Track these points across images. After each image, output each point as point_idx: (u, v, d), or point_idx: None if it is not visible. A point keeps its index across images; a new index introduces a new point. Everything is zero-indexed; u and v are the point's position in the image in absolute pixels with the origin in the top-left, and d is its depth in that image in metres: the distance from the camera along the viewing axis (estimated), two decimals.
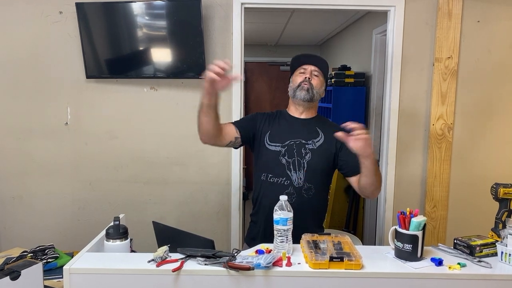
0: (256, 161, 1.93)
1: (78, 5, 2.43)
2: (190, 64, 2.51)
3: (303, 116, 1.92)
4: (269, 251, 1.44)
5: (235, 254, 1.38)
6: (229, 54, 2.58)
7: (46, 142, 2.63)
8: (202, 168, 2.68)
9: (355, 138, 1.57)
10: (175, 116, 2.64)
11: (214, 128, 1.74)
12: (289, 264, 1.36)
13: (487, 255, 1.47)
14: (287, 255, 1.39)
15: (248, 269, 1.29)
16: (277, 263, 1.35)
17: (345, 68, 4.07)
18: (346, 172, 1.86)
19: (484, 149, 2.66)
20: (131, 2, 2.42)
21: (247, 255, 1.39)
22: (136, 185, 2.69)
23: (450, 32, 2.54)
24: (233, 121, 1.96)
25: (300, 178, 1.82)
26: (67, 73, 2.58)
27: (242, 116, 2.63)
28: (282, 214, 1.42)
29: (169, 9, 2.45)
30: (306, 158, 1.82)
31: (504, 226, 1.55)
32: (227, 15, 2.55)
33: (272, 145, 1.86)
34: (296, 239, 1.51)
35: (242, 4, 2.54)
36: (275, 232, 1.44)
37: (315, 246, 1.46)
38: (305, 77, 1.86)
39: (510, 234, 1.42)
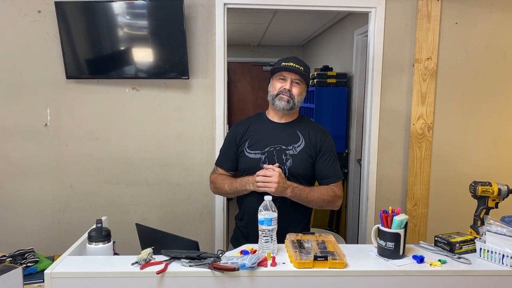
0: (239, 167, 1.92)
1: (57, 4, 2.38)
2: (173, 64, 2.50)
3: (283, 121, 1.89)
4: (254, 252, 1.44)
5: (220, 255, 1.38)
6: (212, 54, 2.58)
7: (25, 143, 2.58)
8: (185, 169, 2.67)
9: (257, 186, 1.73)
10: (158, 116, 2.62)
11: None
12: (274, 264, 1.36)
13: (466, 252, 1.51)
14: (272, 255, 1.39)
15: (233, 270, 1.29)
16: (262, 263, 1.35)
17: (327, 68, 4.10)
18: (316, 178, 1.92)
19: (463, 148, 2.72)
20: (112, 1, 2.39)
21: (232, 256, 1.39)
22: (118, 187, 2.65)
23: (429, 33, 2.59)
24: (218, 162, 2.00)
25: None
26: (46, 73, 2.53)
27: (225, 116, 2.64)
28: (267, 214, 1.43)
29: (151, 8, 2.43)
30: (287, 164, 1.81)
31: (482, 223, 1.58)
32: (210, 15, 2.55)
33: (252, 153, 1.85)
34: (281, 241, 1.52)
35: (224, 4, 2.53)
36: (259, 232, 1.44)
37: (299, 245, 1.46)
38: (284, 88, 1.80)
39: (488, 231, 1.46)
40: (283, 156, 1.82)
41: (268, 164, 1.80)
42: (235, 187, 1.84)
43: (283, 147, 1.83)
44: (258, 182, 1.72)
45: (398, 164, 2.73)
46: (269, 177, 1.70)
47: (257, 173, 1.74)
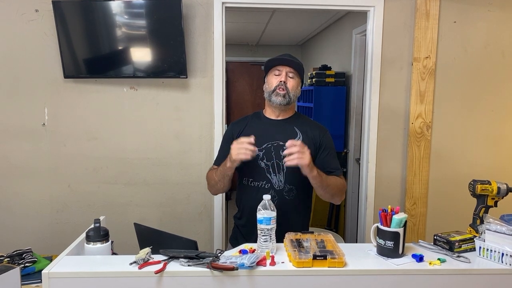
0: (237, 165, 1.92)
1: (54, 3, 2.38)
2: (171, 63, 2.49)
3: (280, 117, 1.90)
4: (253, 251, 1.44)
5: (219, 254, 1.38)
6: (210, 54, 2.57)
7: (22, 143, 2.57)
8: (184, 168, 2.66)
9: (287, 159, 1.64)
10: (156, 116, 2.61)
11: (224, 188, 1.87)
12: (273, 263, 1.36)
13: (465, 250, 1.50)
14: (270, 254, 1.39)
15: (232, 269, 1.28)
16: (261, 262, 1.35)
17: (325, 68, 4.11)
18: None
19: (461, 146, 2.72)
20: (109, 0, 2.38)
21: (230, 255, 1.39)
22: (116, 187, 2.64)
23: (428, 32, 2.58)
24: (215, 161, 1.98)
25: (281, 181, 1.81)
26: (44, 72, 2.52)
27: (223, 115, 2.63)
28: (266, 213, 1.42)
29: (149, 8, 2.42)
30: (285, 160, 1.81)
31: (481, 222, 1.58)
32: (208, 14, 2.54)
33: None
34: (280, 240, 1.52)
35: (223, 3, 2.52)
36: (258, 232, 1.44)
37: (298, 244, 1.46)
38: (281, 81, 1.80)
39: (487, 230, 1.45)
40: (280, 152, 1.81)
41: (266, 160, 1.81)
42: (219, 171, 1.81)
43: (281, 143, 1.83)
44: (286, 155, 1.63)
45: (397, 163, 2.72)
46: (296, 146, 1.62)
47: (287, 147, 1.65)
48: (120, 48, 2.49)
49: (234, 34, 5.31)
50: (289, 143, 1.65)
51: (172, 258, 1.37)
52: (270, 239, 1.43)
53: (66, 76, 2.50)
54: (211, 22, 2.54)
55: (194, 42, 2.56)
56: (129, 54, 2.50)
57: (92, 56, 2.51)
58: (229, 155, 1.71)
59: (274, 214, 1.43)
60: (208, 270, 1.30)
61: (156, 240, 1.50)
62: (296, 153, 1.62)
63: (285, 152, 1.65)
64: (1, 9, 2.46)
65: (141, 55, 2.52)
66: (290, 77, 1.83)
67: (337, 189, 1.82)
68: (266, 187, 1.81)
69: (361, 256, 1.45)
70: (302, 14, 4.18)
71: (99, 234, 1.50)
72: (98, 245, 1.49)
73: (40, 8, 2.46)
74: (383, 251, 1.45)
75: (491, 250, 1.43)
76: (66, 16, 2.41)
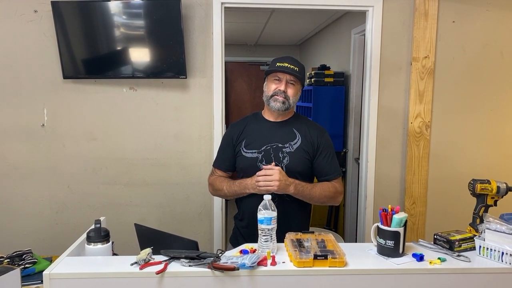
0: (237, 167, 1.92)
1: (53, 3, 2.37)
2: (170, 64, 2.49)
3: (279, 119, 1.89)
4: (254, 251, 1.44)
5: (220, 254, 1.38)
6: (209, 54, 2.57)
7: (21, 144, 2.56)
8: (184, 168, 2.66)
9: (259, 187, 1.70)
10: (155, 116, 2.61)
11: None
12: (273, 263, 1.36)
13: (465, 250, 1.51)
14: (271, 254, 1.39)
15: (233, 269, 1.29)
16: (261, 262, 1.35)
17: (324, 67, 4.10)
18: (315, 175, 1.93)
19: (460, 146, 2.73)
20: (108, 1, 2.38)
21: (231, 256, 1.39)
22: (116, 187, 2.64)
23: (426, 32, 2.59)
24: (215, 163, 2.00)
25: None
26: (43, 73, 2.52)
27: (223, 115, 2.63)
28: (266, 213, 1.43)
29: (148, 8, 2.42)
30: (284, 162, 1.80)
31: (481, 221, 1.59)
32: (207, 14, 2.54)
33: (248, 152, 1.85)
34: (281, 240, 1.52)
35: (222, 3, 2.52)
36: (259, 232, 1.44)
37: (299, 244, 1.46)
38: (279, 90, 1.79)
39: (487, 229, 1.46)
40: (280, 154, 1.81)
41: (266, 163, 1.80)
42: (234, 190, 1.83)
43: (280, 145, 1.83)
44: (259, 182, 1.70)
45: (396, 162, 2.73)
46: (270, 176, 1.69)
47: (256, 173, 1.72)
48: (119, 48, 2.49)
49: (233, 34, 5.31)
50: (264, 168, 1.73)
51: (173, 258, 1.37)
52: (271, 239, 1.43)
53: (65, 76, 2.49)
54: (210, 22, 2.54)
55: (193, 42, 2.55)
56: (128, 54, 2.50)
57: (91, 57, 2.51)
58: (252, 184, 1.73)
59: (274, 214, 1.44)
60: (209, 270, 1.31)
61: (156, 241, 1.50)
62: (263, 182, 1.69)
63: (258, 179, 1.71)
64: (0, 9, 2.45)
65: (140, 55, 2.52)
66: (291, 84, 1.82)
67: (325, 198, 1.82)
68: None
69: (361, 256, 1.45)
70: (301, 14, 4.18)
71: (100, 235, 1.50)
72: (99, 245, 1.49)
73: (39, 9, 2.46)
74: (383, 251, 1.46)
75: (491, 249, 1.44)
76: (65, 16, 2.41)
